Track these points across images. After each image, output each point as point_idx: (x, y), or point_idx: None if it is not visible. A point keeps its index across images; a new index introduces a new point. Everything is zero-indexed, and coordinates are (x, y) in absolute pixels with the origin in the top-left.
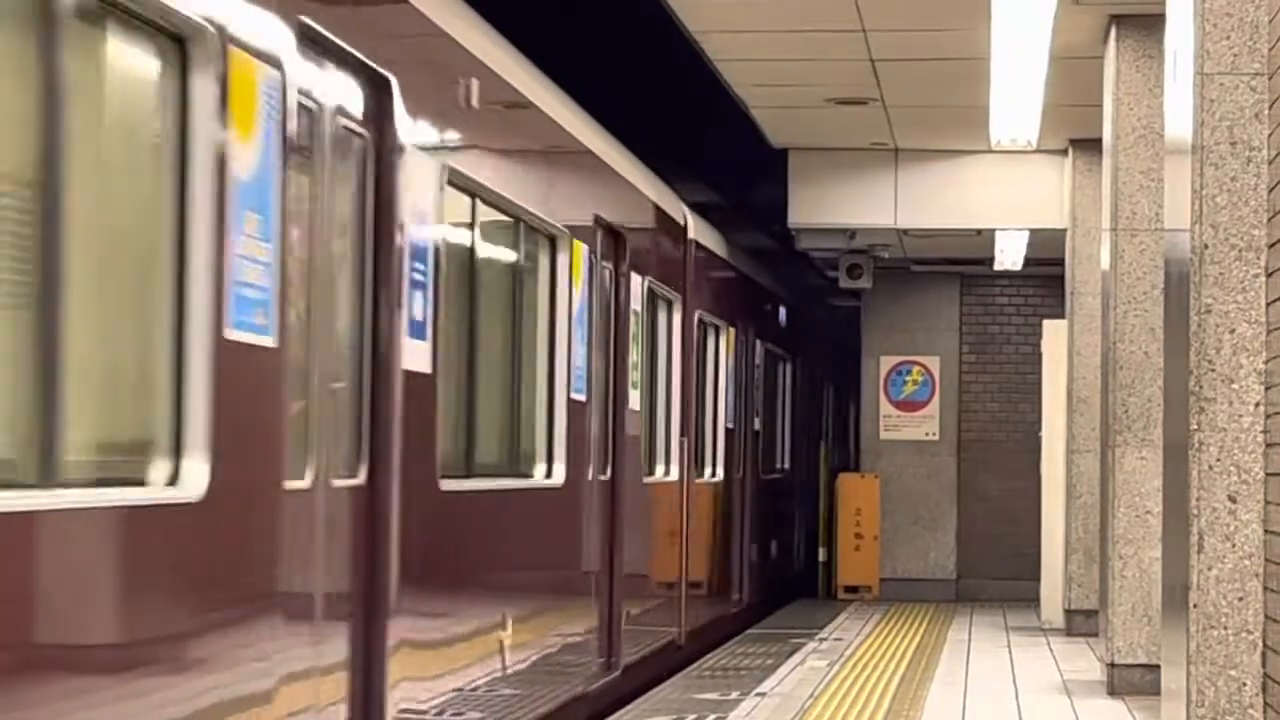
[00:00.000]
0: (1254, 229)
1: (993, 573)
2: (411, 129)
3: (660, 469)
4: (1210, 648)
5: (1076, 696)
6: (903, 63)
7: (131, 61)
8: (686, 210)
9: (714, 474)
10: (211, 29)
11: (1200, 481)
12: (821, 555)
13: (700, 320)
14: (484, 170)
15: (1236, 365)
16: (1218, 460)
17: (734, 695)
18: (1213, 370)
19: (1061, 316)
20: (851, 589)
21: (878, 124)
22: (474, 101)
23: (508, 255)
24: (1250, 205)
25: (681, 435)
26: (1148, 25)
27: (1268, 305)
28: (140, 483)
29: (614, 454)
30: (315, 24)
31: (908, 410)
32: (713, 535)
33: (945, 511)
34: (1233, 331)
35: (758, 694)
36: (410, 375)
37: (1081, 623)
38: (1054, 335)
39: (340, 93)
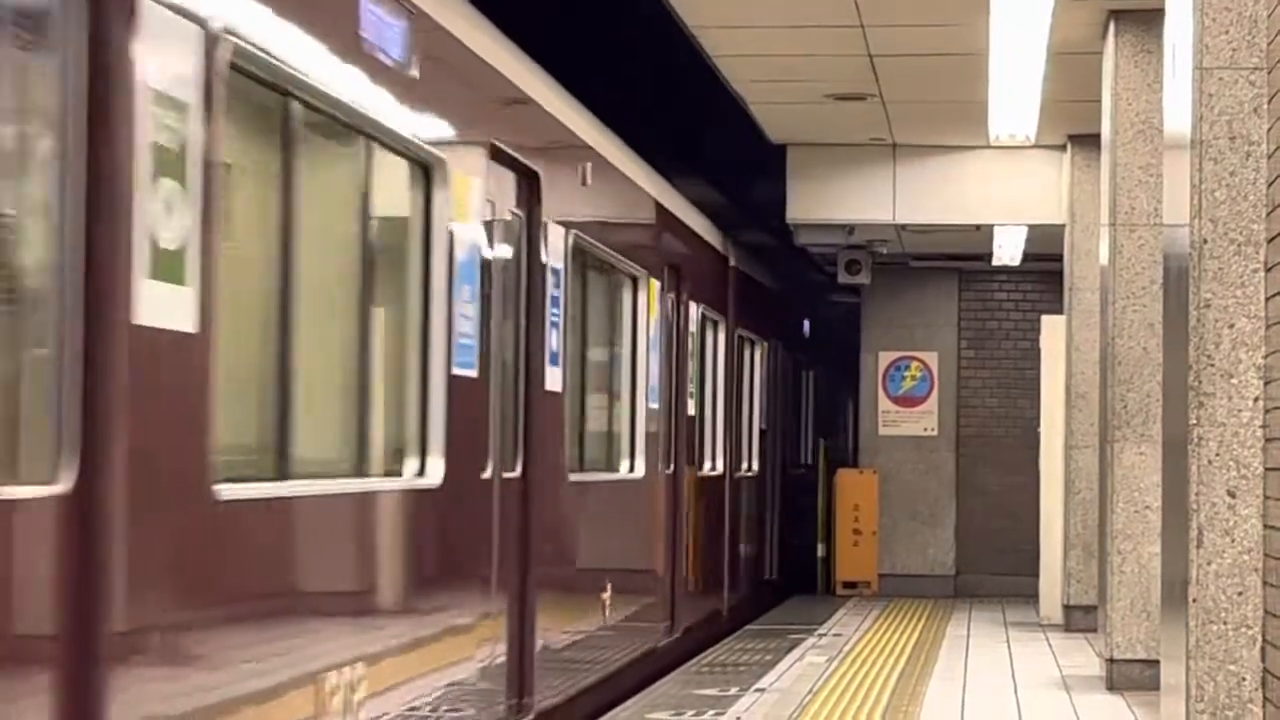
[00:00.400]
0: (1253, 224)
1: (991, 568)
2: (550, 209)
3: (708, 464)
4: (1209, 643)
5: (1075, 692)
6: (901, 58)
7: (401, 179)
8: (729, 243)
9: (750, 468)
10: (446, 157)
11: (1199, 476)
12: (820, 551)
13: (739, 336)
14: (592, 231)
15: (1235, 360)
16: (1217, 455)
17: (733, 691)
18: (1212, 365)
19: (1060, 312)
20: (850, 585)
21: (876, 119)
22: (588, 181)
23: (606, 295)
24: (1249, 200)
25: (725, 435)
26: (1146, 20)
27: (1267, 300)
28: (399, 474)
29: (675, 453)
30: (499, 143)
31: (906, 406)
32: (750, 521)
33: (944, 507)
34: (1232, 326)
35: (757, 689)
36: (549, 394)
37: (1080, 618)
38: (1052, 331)
39: (509, 187)
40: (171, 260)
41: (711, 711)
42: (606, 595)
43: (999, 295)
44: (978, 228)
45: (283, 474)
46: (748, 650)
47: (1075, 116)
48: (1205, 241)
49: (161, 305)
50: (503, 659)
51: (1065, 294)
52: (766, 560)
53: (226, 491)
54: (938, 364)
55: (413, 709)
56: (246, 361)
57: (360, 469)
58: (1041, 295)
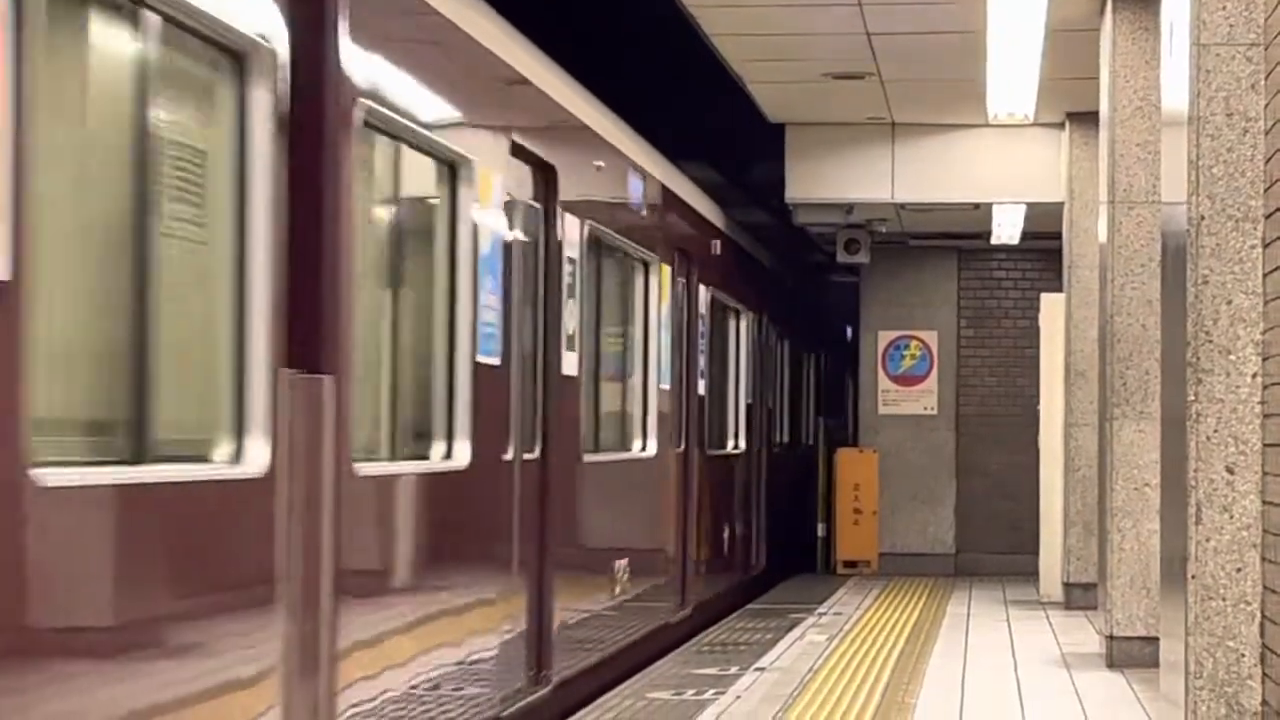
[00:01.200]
0: (1250, 200)
1: (991, 547)
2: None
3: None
4: (1209, 619)
5: (1075, 669)
6: (899, 36)
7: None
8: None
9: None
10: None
11: (1198, 453)
12: (820, 531)
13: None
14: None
15: (1234, 336)
16: (1215, 432)
17: (733, 670)
18: (1210, 342)
19: (1059, 290)
20: (850, 564)
21: (874, 98)
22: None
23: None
24: (1247, 176)
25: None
26: None
27: (1264, 276)
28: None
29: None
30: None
31: (906, 385)
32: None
33: (944, 486)
34: (1230, 303)
35: (757, 668)
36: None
37: (1080, 596)
38: (1051, 309)
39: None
40: (571, 338)
41: (712, 690)
42: (620, 571)
43: (998, 274)
44: (976, 206)
45: (597, 448)
46: (748, 629)
47: (1074, 94)
48: (1203, 218)
49: (569, 364)
50: (523, 632)
51: (1064, 272)
52: (781, 535)
53: (586, 458)
54: (937, 343)
55: (438, 681)
56: (590, 388)
57: (621, 446)
58: (1040, 273)
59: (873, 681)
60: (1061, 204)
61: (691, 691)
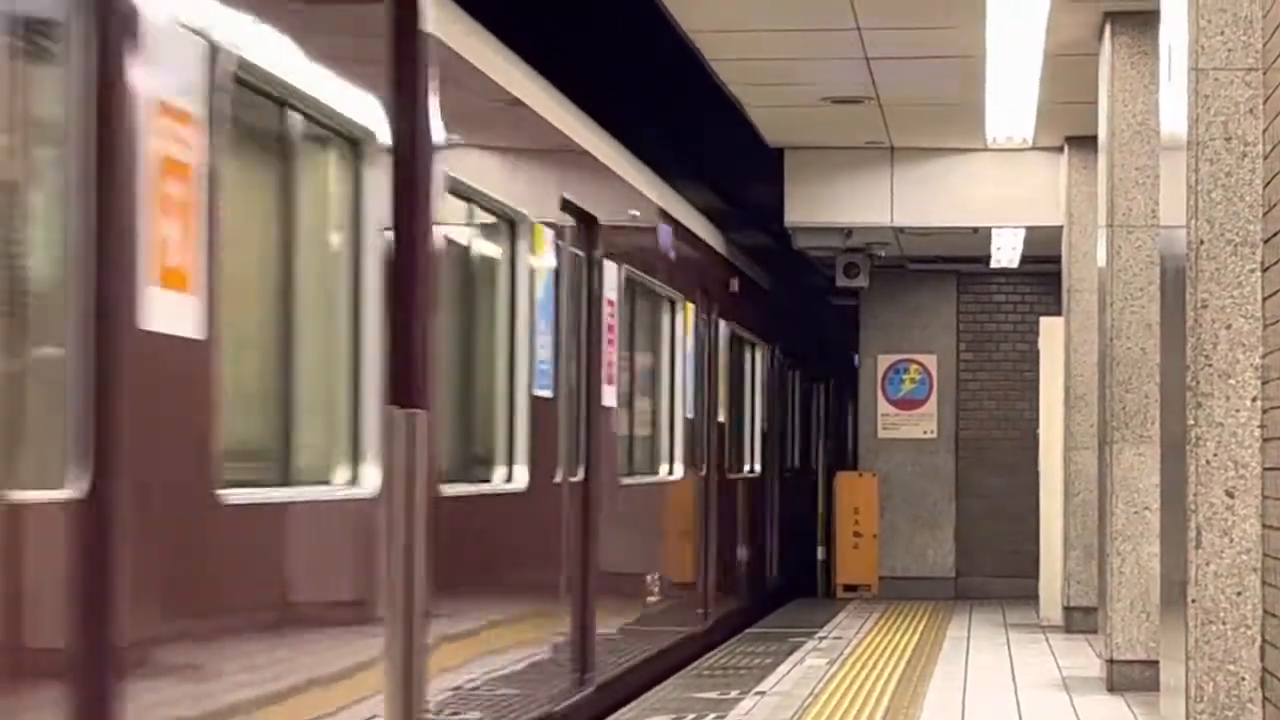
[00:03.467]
0: (1249, 224)
1: (992, 570)
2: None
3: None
4: (1209, 643)
5: (1076, 693)
6: (898, 61)
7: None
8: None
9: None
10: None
11: (1198, 477)
12: (820, 554)
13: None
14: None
15: (1233, 360)
16: (1215, 456)
17: (733, 694)
18: (1209, 366)
19: (1058, 314)
20: (850, 588)
21: (873, 122)
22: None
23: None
24: (1245, 200)
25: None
26: (1142, 22)
27: (1264, 300)
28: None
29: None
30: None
31: (905, 409)
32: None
33: (944, 509)
34: (1229, 327)
35: (757, 692)
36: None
37: (1080, 619)
38: (1051, 332)
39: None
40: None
41: (712, 715)
42: (652, 584)
43: (997, 297)
44: (975, 230)
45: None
46: (748, 653)
47: (1072, 118)
48: (1202, 242)
49: (608, 396)
50: (570, 639)
51: (1063, 295)
52: (790, 555)
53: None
54: (937, 366)
55: (504, 680)
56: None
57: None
58: (1040, 297)
59: (873, 706)
60: (1060, 228)
61: (692, 716)
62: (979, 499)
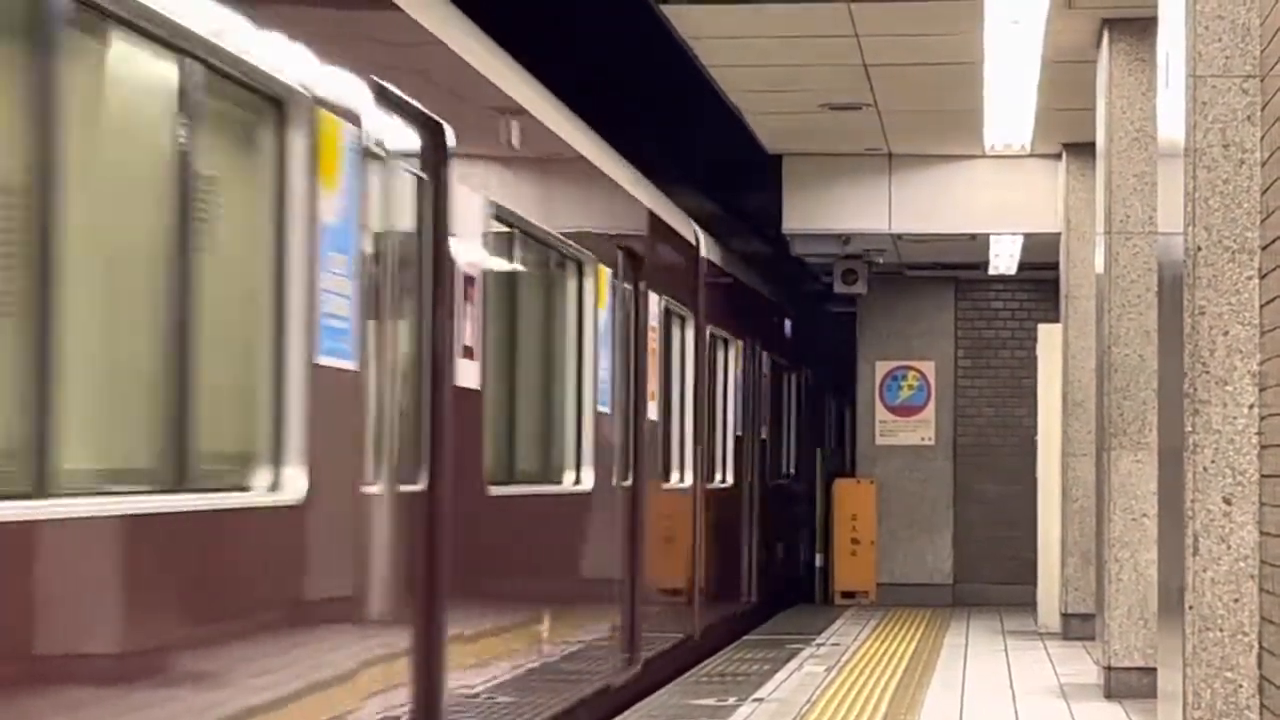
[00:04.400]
0: (1247, 231)
1: (989, 577)
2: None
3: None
4: (1206, 650)
5: (1073, 700)
6: (896, 68)
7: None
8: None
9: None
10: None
11: (1195, 484)
12: (818, 561)
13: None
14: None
15: (1231, 367)
16: (1212, 462)
17: (731, 701)
18: (1207, 373)
19: (1056, 320)
20: (848, 594)
21: (871, 129)
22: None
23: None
24: (1243, 208)
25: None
26: (1140, 29)
27: (1261, 307)
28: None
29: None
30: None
31: (903, 415)
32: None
33: (941, 516)
34: (1226, 334)
35: (755, 699)
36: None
37: (1078, 626)
38: (1049, 339)
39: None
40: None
41: None
42: (686, 576)
43: (995, 304)
44: (973, 237)
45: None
46: (746, 660)
47: (1070, 125)
48: (1199, 249)
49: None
50: (621, 623)
51: (1061, 302)
52: (794, 560)
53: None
54: (935, 373)
55: (570, 657)
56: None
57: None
58: (1038, 304)
59: (871, 713)
60: (1058, 234)
61: None
62: (977, 505)
